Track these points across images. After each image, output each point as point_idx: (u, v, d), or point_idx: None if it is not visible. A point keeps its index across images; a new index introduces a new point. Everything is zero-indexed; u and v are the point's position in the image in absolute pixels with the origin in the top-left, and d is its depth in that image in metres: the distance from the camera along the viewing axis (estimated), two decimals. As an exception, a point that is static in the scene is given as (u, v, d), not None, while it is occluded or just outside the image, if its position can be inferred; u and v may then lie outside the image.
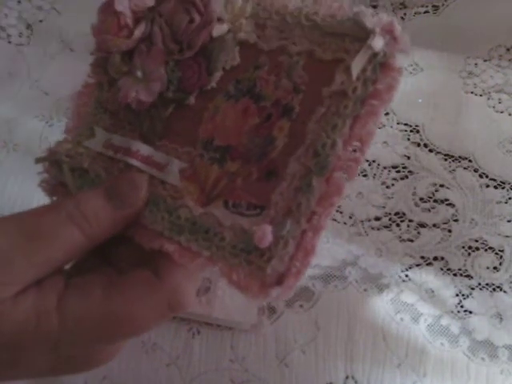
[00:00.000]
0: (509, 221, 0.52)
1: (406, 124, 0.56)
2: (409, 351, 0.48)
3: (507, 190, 0.53)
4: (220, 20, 0.33)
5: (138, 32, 0.34)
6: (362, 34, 0.29)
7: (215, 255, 0.31)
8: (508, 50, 0.58)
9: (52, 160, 0.36)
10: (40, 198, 0.54)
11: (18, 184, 0.55)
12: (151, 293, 0.30)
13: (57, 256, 0.29)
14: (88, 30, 0.62)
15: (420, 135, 0.55)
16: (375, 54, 0.29)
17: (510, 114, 0.55)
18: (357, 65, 0.29)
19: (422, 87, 0.57)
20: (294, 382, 0.47)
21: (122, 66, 0.34)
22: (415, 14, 0.58)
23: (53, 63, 0.62)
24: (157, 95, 0.34)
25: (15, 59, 0.62)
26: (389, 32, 0.29)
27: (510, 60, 0.57)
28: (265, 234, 0.29)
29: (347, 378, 0.47)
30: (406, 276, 0.50)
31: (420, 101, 0.56)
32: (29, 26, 0.63)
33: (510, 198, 0.52)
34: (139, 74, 0.34)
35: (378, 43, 0.28)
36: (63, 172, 0.35)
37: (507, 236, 0.51)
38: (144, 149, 0.34)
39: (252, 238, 0.30)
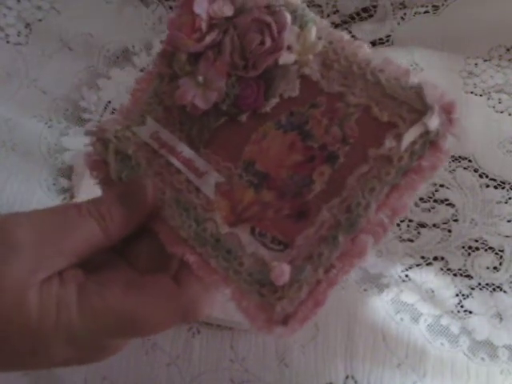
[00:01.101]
0: (509, 221, 0.52)
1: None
2: (409, 351, 0.48)
3: (507, 190, 0.53)
4: (289, 49, 0.33)
5: (209, 38, 0.34)
6: (420, 107, 0.30)
7: (231, 277, 0.32)
8: (508, 50, 0.58)
9: (100, 137, 0.36)
10: (40, 198, 0.54)
11: (17, 184, 0.55)
12: (169, 299, 0.32)
13: (79, 246, 0.31)
14: (87, 29, 0.62)
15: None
16: (428, 131, 0.29)
17: (510, 114, 0.55)
18: (409, 137, 0.30)
19: (422, 87, 0.57)
20: (293, 382, 0.47)
21: (186, 66, 0.35)
22: (415, 14, 0.58)
23: (51, 62, 0.61)
24: (212, 104, 0.34)
25: (13, 59, 0.61)
26: (447, 112, 0.29)
27: (509, 60, 0.57)
28: (283, 272, 0.30)
29: (347, 377, 0.47)
30: (406, 276, 0.50)
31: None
32: (27, 26, 0.62)
33: (510, 198, 0.52)
34: (200, 79, 0.34)
35: (433, 122, 0.29)
36: (108, 152, 0.36)
37: (507, 236, 0.51)
38: (187, 152, 0.35)
39: (270, 272, 0.30)
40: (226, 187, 0.34)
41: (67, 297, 0.30)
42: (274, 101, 0.34)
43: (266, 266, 0.31)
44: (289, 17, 0.33)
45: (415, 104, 0.30)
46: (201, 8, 0.34)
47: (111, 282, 0.31)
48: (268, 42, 0.33)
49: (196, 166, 0.34)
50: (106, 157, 0.36)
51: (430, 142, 0.29)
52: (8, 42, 0.62)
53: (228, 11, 0.34)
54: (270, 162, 0.33)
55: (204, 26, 0.34)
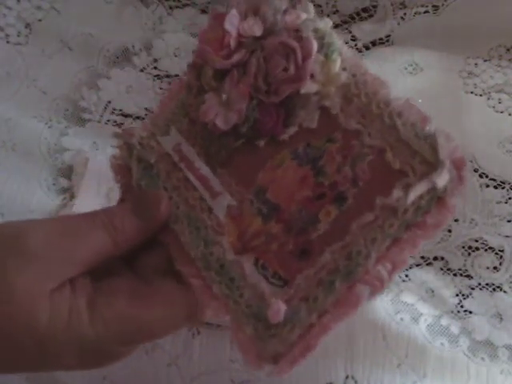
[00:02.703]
0: (509, 221, 0.52)
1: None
2: (409, 351, 0.48)
3: (507, 190, 0.53)
4: (312, 77, 0.33)
5: (236, 57, 0.34)
6: (432, 159, 0.29)
7: (230, 306, 0.32)
8: (508, 50, 0.58)
9: (126, 141, 0.37)
10: (40, 198, 0.54)
11: (17, 184, 0.55)
12: (173, 305, 0.32)
13: (89, 256, 0.32)
14: (87, 29, 0.62)
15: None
16: (436, 187, 0.29)
17: (510, 114, 0.55)
18: (416, 191, 0.29)
19: (421, 87, 0.57)
20: (294, 381, 0.47)
21: (212, 81, 0.35)
22: (415, 14, 0.58)
23: (51, 62, 0.61)
24: (232, 125, 0.34)
25: (13, 59, 0.61)
26: (457, 168, 0.29)
27: (510, 60, 0.57)
28: (278, 311, 0.30)
29: (347, 377, 0.47)
30: (406, 276, 0.50)
31: (420, 101, 0.56)
32: (27, 26, 0.62)
33: (510, 198, 0.52)
34: (224, 97, 0.34)
35: (442, 180, 0.29)
36: (131, 158, 0.36)
37: (507, 236, 0.51)
38: (204, 169, 0.35)
39: (266, 308, 0.31)
40: (237, 211, 0.34)
41: (78, 306, 0.31)
42: (293, 130, 0.33)
43: (264, 300, 0.31)
44: (315, 45, 0.33)
45: (428, 155, 0.29)
46: (231, 25, 0.34)
47: (118, 290, 0.32)
48: (292, 70, 0.33)
49: (211, 186, 0.35)
50: (129, 162, 0.36)
51: (437, 198, 0.29)
52: (8, 42, 0.62)
53: (258, 31, 0.34)
54: (282, 192, 0.33)
55: (233, 43, 0.34)
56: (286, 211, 0.33)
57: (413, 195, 0.29)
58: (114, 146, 0.37)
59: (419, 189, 0.29)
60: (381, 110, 0.31)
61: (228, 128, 0.34)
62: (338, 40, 0.34)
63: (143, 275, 0.34)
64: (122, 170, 0.37)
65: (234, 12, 0.34)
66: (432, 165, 0.29)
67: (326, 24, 0.34)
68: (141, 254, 0.35)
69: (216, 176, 0.35)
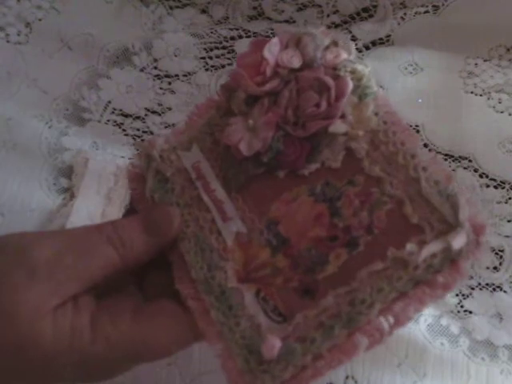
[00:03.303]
0: (509, 221, 0.52)
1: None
2: (409, 351, 0.48)
3: (507, 190, 0.53)
4: (342, 117, 0.33)
5: (270, 86, 0.34)
6: (451, 220, 0.29)
7: (225, 334, 0.32)
8: (508, 49, 0.58)
9: (146, 152, 0.37)
10: (40, 198, 0.54)
11: (17, 184, 0.55)
12: (178, 325, 0.32)
13: (94, 272, 0.32)
14: (87, 29, 0.62)
15: (420, 135, 0.55)
16: (450, 247, 0.28)
17: (510, 114, 0.55)
18: (430, 248, 0.29)
19: (422, 87, 0.57)
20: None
21: (242, 106, 0.35)
22: (415, 14, 0.58)
23: (51, 62, 0.61)
24: (254, 152, 0.34)
25: (14, 58, 0.61)
26: (476, 233, 0.29)
27: (510, 60, 0.57)
28: (273, 347, 0.30)
29: (347, 377, 0.47)
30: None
31: (420, 101, 0.56)
32: (27, 25, 0.62)
33: (510, 198, 0.52)
34: (251, 123, 0.34)
35: (459, 242, 0.28)
36: (149, 168, 0.36)
37: (507, 236, 0.51)
38: (220, 192, 0.35)
39: (261, 342, 0.30)
40: (245, 239, 0.34)
41: (81, 324, 0.31)
42: (315, 166, 0.33)
43: (259, 334, 0.31)
44: (351, 85, 0.33)
45: (447, 215, 0.29)
46: (271, 53, 0.34)
47: (123, 309, 0.32)
48: (323, 106, 0.33)
49: (224, 209, 0.34)
50: (145, 172, 0.36)
51: (451, 259, 0.29)
52: (8, 41, 0.62)
53: (296, 63, 0.34)
54: (294, 227, 0.33)
55: (269, 71, 0.34)
56: (296, 247, 0.33)
57: (426, 252, 0.29)
58: (135, 154, 0.37)
59: (434, 247, 0.29)
60: (407, 161, 0.31)
61: (250, 154, 0.34)
62: (374, 85, 0.33)
63: (149, 293, 0.34)
64: (137, 178, 0.37)
65: (275, 40, 0.34)
66: (450, 225, 0.29)
67: (364, 67, 0.34)
68: (148, 271, 0.35)
69: (230, 200, 0.35)
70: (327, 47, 0.34)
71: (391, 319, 0.29)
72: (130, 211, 0.38)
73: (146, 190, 0.36)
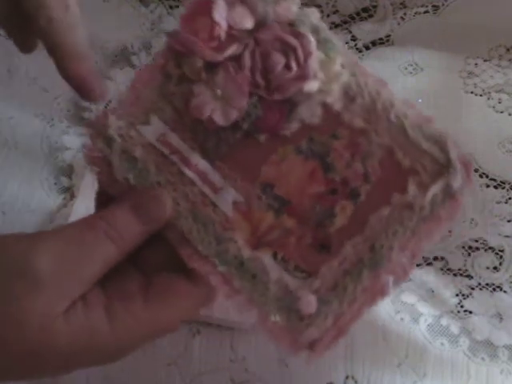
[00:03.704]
0: (509, 221, 0.52)
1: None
2: (409, 351, 0.48)
3: (507, 190, 0.53)
4: (314, 76, 0.33)
5: (231, 51, 0.33)
6: (442, 160, 0.32)
7: (256, 299, 0.32)
8: (508, 49, 0.58)
9: (101, 133, 0.34)
10: (41, 197, 0.54)
11: (18, 183, 0.55)
12: (188, 300, 0.33)
13: (97, 270, 0.31)
14: (85, 27, 0.62)
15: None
16: (449, 184, 0.31)
17: (510, 114, 0.55)
18: (433, 190, 0.31)
19: (422, 87, 0.57)
20: (294, 382, 0.47)
21: (202, 73, 0.34)
22: (415, 14, 0.58)
23: (50, 60, 0.61)
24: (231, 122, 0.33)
25: (13, 56, 0.61)
26: (465, 169, 0.32)
27: (510, 60, 0.57)
28: (310, 303, 0.32)
29: (347, 377, 0.47)
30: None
31: (420, 101, 0.56)
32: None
33: (510, 198, 0.52)
34: (219, 92, 0.33)
35: (457, 179, 0.31)
36: (112, 151, 0.34)
37: (507, 236, 0.51)
38: (202, 164, 0.34)
39: (296, 301, 0.32)
40: (245, 208, 0.34)
41: (97, 320, 0.30)
42: (295, 126, 0.33)
43: (291, 293, 0.32)
44: (314, 42, 0.33)
45: (438, 157, 0.32)
46: (221, 16, 0.33)
47: (130, 292, 0.32)
48: (295, 68, 0.33)
49: (211, 180, 0.34)
50: (108, 155, 0.34)
51: (450, 195, 0.31)
52: (7, 38, 0.62)
53: (248, 23, 0.33)
54: (291, 188, 0.33)
55: (223, 35, 0.33)
56: (298, 206, 0.33)
57: (430, 194, 0.31)
58: (87, 138, 0.35)
59: (436, 188, 0.31)
60: (386, 110, 0.33)
61: (228, 124, 0.33)
62: (333, 35, 0.34)
63: (148, 271, 0.33)
64: (99, 161, 0.35)
65: (221, 2, 0.33)
66: (442, 165, 0.32)
67: (315, 16, 0.34)
68: (142, 251, 0.34)
69: (215, 169, 0.34)
70: (275, 1, 0.34)
71: (409, 255, 0.32)
72: (101, 199, 0.36)
73: (116, 173, 0.34)
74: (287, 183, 0.33)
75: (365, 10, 0.60)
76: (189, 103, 0.34)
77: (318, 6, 0.59)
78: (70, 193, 0.54)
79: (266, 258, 0.33)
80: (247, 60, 0.33)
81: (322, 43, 0.33)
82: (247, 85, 0.33)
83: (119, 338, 0.31)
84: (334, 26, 0.60)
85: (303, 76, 0.33)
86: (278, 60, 0.33)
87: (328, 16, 0.60)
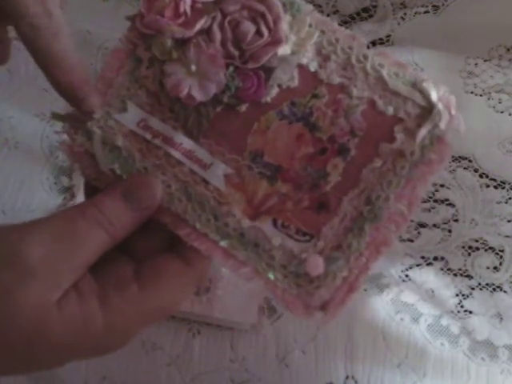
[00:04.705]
0: (509, 221, 0.52)
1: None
2: (409, 351, 0.48)
3: (507, 190, 0.53)
4: (285, 39, 0.33)
5: (199, 25, 0.33)
6: (424, 103, 0.32)
7: (263, 269, 0.33)
8: (508, 49, 0.58)
9: (79, 127, 0.34)
10: (41, 197, 0.54)
11: (18, 183, 0.55)
12: (182, 279, 0.33)
13: (88, 258, 0.31)
14: (85, 26, 0.62)
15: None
16: (435, 126, 0.32)
17: (510, 114, 0.55)
18: (422, 133, 0.32)
19: (422, 87, 0.57)
20: (294, 382, 0.47)
21: (173, 53, 0.33)
22: (415, 14, 0.58)
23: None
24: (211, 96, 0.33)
25: (13, 55, 0.61)
26: (447, 108, 0.32)
27: (510, 60, 0.57)
28: (317, 264, 0.32)
29: (347, 378, 0.47)
30: (406, 276, 0.50)
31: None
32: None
33: (510, 198, 0.52)
34: (193, 68, 0.33)
35: (443, 119, 0.32)
36: (93, 143, 0.34)
37: (507, 236, 0.51)
38: (187, 143, 0.34)
39: (303, 264, 0.32)
40: (237, 179, 0.34)
41: (90, 308, 0.30)
42: (274, 91, 0.34)
43: (296, 257, 0.33)
44: (280, 5, 0.33)
45: (419, 100, 0.32)
46: None
47: (123, 278, 0.32)
48: (265, 34, 0.33)
49: (199, 158, 0.34)
50: (90, 148, 0.34)
51: (437, 136, 0.32)
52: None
53: None
54: (280, 154, 0.34)
55: (188, 10, 0.33)
56: (291, 170, 0.33)
57: (420, 137, 0.32)
58: (58, 132, 0.35)
59: (424, 131, 0.32)
60: (362, 62, 0.33)
61: (208, 99, 0.33)
62: None
63: (139, 258, 0.33)
64: (82, 157, 0.34)
65: None
66: (425, 108, 0.32)
67: None
68: (133, 238, 0.33)
69: (201, 146, 0.34)
70: None
71: (405, 202, 0.32)
72: (89, 192, 0.36)
73: (101, 165, 0.34)
74: (275, 150, 0.34)
75: (365, 10, 0.59)
76: (164, 84, 0.34)
77: (318, 6, 0.59)
78: (69, 193, 0.54)
79: (265, 225, 0.33)
80: (217, 32, 0.33)
81: (288, 5, 0.33)
82: (221, 57, 0.33)
83: (114, 324, 0.31)
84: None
85: (275, 40, 0.33)
86: (248, 28, 0.33)
87: (328, 16, 0.60)
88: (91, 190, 0.35)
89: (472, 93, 0.57)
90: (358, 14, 0.60)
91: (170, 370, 0.47)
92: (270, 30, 0.33)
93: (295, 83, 0.34)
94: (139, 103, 0.34)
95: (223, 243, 0.33)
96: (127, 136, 0.34)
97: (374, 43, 0.60)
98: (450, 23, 0.58)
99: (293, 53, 0.33)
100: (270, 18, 0.33)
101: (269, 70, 0.33)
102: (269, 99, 0.34)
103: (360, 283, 0.32)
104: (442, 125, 0.32)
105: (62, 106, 0.59)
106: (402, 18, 0.59)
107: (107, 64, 0.35)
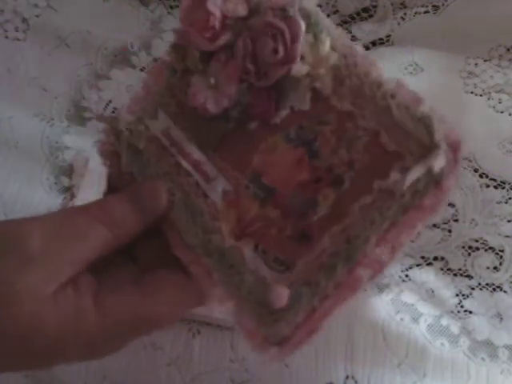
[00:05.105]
0: (509, 221, 0.52)
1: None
2: (409, 351, 0.48)
3: (507, 190, 0.53)
4: (302, 59, 0.32)
5: (223, 40, 0.33)
6: (428, 142, 0.29)
7: (232, 292, 0.32)
8: (508, 49, 0.58)
9: (113, 127, 0.36)
10: (41, 198, 0.54)
11: (18, 183, 0.55)
12: (181, 293, 0.32)
13: (88, 254, 0.31)
14: (85, 27, 0.62)
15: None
16: (430, 169, 0.28)
17: (510, 114, 0.55)
18: (413, 174, 0.29)
19: (422, 87, 0.57)
20: (294, 382, 0.47)
21: (198, 64, 0.34)
22: (415, 14, 0.58)
23: (50, 60, 0.61)
24: (222, 109, 0.33)
25: (13, 55, 0.61)
26: (453, 150, 0.29)
27: (510, 60, 0.57)
28: (281, 296, 0.30)
29: (347, 378, 0.47)
30: (406, 276, 0.50)
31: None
32: (24, 20, 0.62)
33: (510, 198, 0.52)
34: (212, 80, 0.33)
35: (439, 163, 0.28)
36: (120, 144, 0.35)
37: (507, 236, 0.51)
38: (196, 154, 0.34)
39: (269, 293, 0.31)
40: (233, 197, 0.33)
41: (84, 304, 0.30)
42: (285, 113, 0.33)
43: (266, 286, 0.31)
44: (303, 25, 0.32)
45: (423, 138, 0.29)
46: (215, 5, 0.33)
47: (122, 282, 0.32)
48: (281, 52, 0.32)
49: (205, 170, 0.34)
50: (118, 148, 0.35)
51: (434, 181, 0.29)
52: (7, 37, 0.62)
53: (242, 11, 0.33)
54: (278, 177, 0.33)
55: (218, 24, 0.33)
56: (283, 195, 0.32)
57: (410, 179, 0.29)
58: (100, 132, 0.36)
59: (416, 172, 0.29)
60: (373, 91, 0.31)
61: (219, 111, 0.33)
62: (325, 19, 0.33)
63: (143, 263, 0.34)
64: (111, 155, 0.36)
65: None
66: (428, 147, 0.29)
67: (310, 1, 0.33)
68: (138, 242, 0.34)
69: (209, 160, 0.34)
70: None
71: (387, 248, 0.29)
72: (109, 191, 0.37)
73: (123, 166, 0.35)
74: (275, 172, 0.33)
75: (365, 10, 0.60)
76: (187, 95, 0.34)
77: (318, 6, 0.59)
78: (70, 193, 0.54)
79: (246, 248, 0.32)
80: (240, 47, 0.33)
81: (312, 26, 0.32)
82: (237, 72, 0.33)
83: (106, 325, 0.30)
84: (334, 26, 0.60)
85: (289, 59, 0.32)
86: (267, 44, 0.32)
87: (328, 16, 0.60)
88: (110, 190, 0.36)
89: (472, 93, 0.57)
90: (358, 13, 0.60)
91: (169, 369, 0.47)
92: (286, 48, 0.32)
93: (307, 107, 0.33)
94: (168, 112, 0.35)
95: (205, 259, 0.33)
96: (151, 141, 0.35)
97: (374, 43, 0.60)
98: (450, 23, 0.58)
99: (308, 74, 0.32)
100: (288, 36, 0.32)
101: (282, 91, 0.33)
102: (278, 120, 0.33)
103: (322, 325, 0.30)
104: (438, 167, 0.28)
105: (61, 106, 0.59)
106: (402, 18, 0.59)
107: (150, 72, 0.37)
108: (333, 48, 0.32)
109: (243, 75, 0.33)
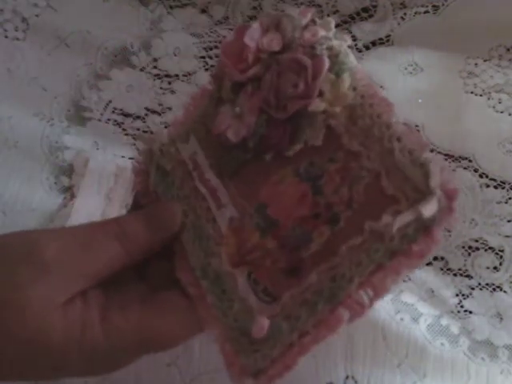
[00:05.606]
0: (509, 221, 0.52)
1: (405, 124, 0.56)
2: (409, 351, 0.48)
3: (507, 190, 0.53)
4: (321, 95, 0.32)
5: (252, 72, 0.34)
6: (423, 188, 0.28)
7: (220, 318, 0.33)
8: (508, 49, 0.58)
9: (148, 146, 0.37)
10: (41, 197, 0.54)
11: (18, 183, 0.55)
12: (185, 318, 0.33)
13: (101, 268, 0.32)
14: (85, 26, 0.62)
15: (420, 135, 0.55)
16: (419, 215, 0.28)
17: (510, 114, 0.55)
18: (402, 219, 0.28)
19: (421, 87, 0.57)
20: (293, 382, 0.47)
21: (230, 94, 0.35)
22: (415, 14, 0.58)
23: (50, 59, 0.61)
24: (241, 138, 0.34)
25: (13, 55, 0.61)
26: (449, 199, 0.28)
27: (510, 60, 0.57)
28: (262, 327, 0.30)
29: (347, 377, 0.47)
30: (406, 276, 0.50)
31: (420, 101, 0.56)
32: (24, 20, 0.62)
33: (510, 198, 0.52)
34: (238, 110, 0.34)
35: (430, 210, 0.28)
36: (151, 163, 0.37)
37: (507, 236, 0.51)
38: (214, 181, 0.35)
39: (252, 323, 0.31)
40: (238, 224, 0.34)
41: (91, 318, 0.31)
42: (298, 147, 0.33)
43: (251, 316, 0.32)
44: (327, 64, 0.32)
45: (420, 184, 0.29)
46: (251, 39, 0.34)
47: (130, 300, 0.33)
48: (301, 86, 0.32)
49: (218, 197, 0.35)
50: (148, 167, 0.37)
51: (425, 227, 0.28)
52: (6, 36, 0.62)
53: (276, 46, 0.34)
54: (282, 209, 0.33)
55: (251, 57, 0.34)
56: (284, 228, 0.33)
57: (399, 222, 0.28)
58: (138, 150, 0.38)
59: (406, 217, 0.28)
60: (382, 133, 0.31)
61: (237, 141, 0.34)
62: (351, 59, 0.33)
63: (153, 283, 0.34)
64: (142, 174, 0.37)
65: (256, 26, 0.34)
66: (423, 193, 0.28)
67: (341, 42, 0.34)
68: (151, 262, 0.35)
69: (224, 187, 0.35)
70: (305, 26, 0.34)
71: (370, 292, 0.29)
72: (134, 207, 0.38)
73: (150, 184, 0.37)
74: (280, 204, 0.33)
75: (365, 9, 0.60)
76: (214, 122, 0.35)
77: (318, 6, 0.60)
78: (70, 193, 0.54)
79: (240, 276, 0.33)
80: (267, 80, 0.34)
81: (337, 65, 0.33)
82: (260, 103, 0.34)
83: (111, 340, 0.31)
84: (334, 26, 0.60)
85: (307, 95, 0.32)
86: (290, 79, 0.33)
87: (328, 16, 0.60)
88: (136, 207, 0.38)
89: (472, 93, 0.57)
90: (358, 13, 0.60)
91: (169, 369, 0.47)
92: (306, 83, 0.32)
93: (319, 143, 0.33)
94: (199, 138, 0.37)
95: (202, 282, 0.33)
96: (179, 164, 0.37)
97: (374, 43, 0.60)
98: (450, 23, 0.58)
99: (325, 111, 0.33)
100: (310, 72, 0.32)
101: (298, 125, 0.33)
102: (291, 154, 0.33)
103: (297, 361, 0.30)
104: (428, 214, 0.28)
105: (61, 106, 0.59)
106: (402, 18, 0.59)
107: (192, 98, 0.38)
108: (354, 88, 0.33)
109: (265, 107, 0.34)
